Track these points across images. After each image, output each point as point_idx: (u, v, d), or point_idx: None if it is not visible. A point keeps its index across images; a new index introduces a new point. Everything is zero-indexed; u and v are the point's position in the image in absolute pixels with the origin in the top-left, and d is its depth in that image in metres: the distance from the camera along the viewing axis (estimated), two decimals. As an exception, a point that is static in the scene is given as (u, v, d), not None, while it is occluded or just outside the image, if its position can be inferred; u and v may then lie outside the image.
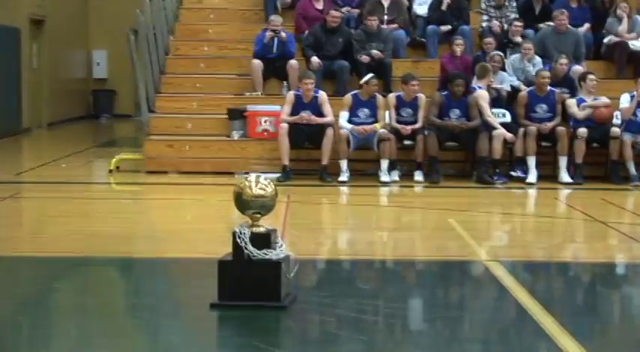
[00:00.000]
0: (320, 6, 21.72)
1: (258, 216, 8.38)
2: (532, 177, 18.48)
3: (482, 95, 18.86)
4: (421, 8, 22.34)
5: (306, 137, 18.80)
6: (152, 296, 10.11)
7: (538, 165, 18.55)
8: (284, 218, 8.56)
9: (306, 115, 18.56)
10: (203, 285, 8.85)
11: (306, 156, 18.78)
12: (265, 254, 8.28)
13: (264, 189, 8.34)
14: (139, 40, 20.77)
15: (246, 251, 8.23)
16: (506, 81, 19.70)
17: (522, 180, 18.55)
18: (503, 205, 16.86)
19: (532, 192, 18.17)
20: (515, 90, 19.48)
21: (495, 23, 21.52)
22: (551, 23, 21.33)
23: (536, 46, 20.50)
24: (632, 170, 18.28)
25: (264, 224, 8.50)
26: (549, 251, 13.02)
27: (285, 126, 18.56)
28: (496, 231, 14.76)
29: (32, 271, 11.14)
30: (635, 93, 18.76)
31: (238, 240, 8.27)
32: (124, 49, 26.36)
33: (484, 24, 22.01)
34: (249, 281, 8.31)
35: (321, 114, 18.68)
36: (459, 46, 20.32)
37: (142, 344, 8.41)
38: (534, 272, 11.09)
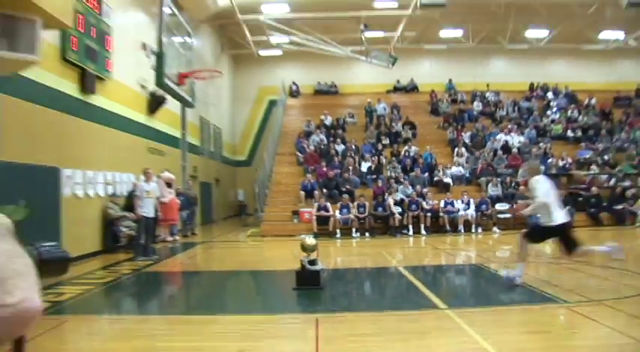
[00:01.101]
0: (325, 169, 21.69)
1: (310, 253, 8.56)
2: (410, 232, 18.38)
3: (390, 203, 18.87)
4: (365, 166, 22.26)
5: (323, 221, 18.79)
6: (267, 284, 10.15)
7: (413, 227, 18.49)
8: (317, 253, 8.62)
9: (323, 212, 18.65)
10: (288, 280, 8.81)
11: (323, 228, 18.62)
12: (314, 267, 8.42)
13: (312, 242, 8.54)
14: (256, 185, 20.92)
15: (306, 267, 8.38)
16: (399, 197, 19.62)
17: (407, 234, 18.39)
18: (400, 244, 16.54)
19: (411, 238, 17.85)
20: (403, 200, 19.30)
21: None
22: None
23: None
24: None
25: (312, 256, 8.66)
26: (422, 260, 12.99)
27: (314, 217, 18.69)
28: (399, 254, 14.52)
29: (217, 277, 11.16)
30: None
31: (303, 263, 8.45)
32: (250, 189, 26.50)
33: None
34: (308, 278, 8.43)
35: (328, 211, 18.74)
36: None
37: (262, 302, 8.49)
38: (417, 269, 10.96)
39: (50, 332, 6.31)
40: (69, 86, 12.87)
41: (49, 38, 11.53)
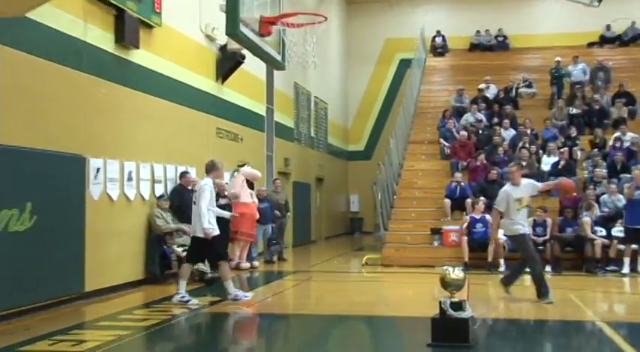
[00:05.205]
0: (482, 167, 21.41)
1: (454, 291, 8.41)
2: (626, 269, 17.13)
3: (587, 221, 18.00)
4: (548, 162, 21.80)
5: (477, 245, 18.40)
6: (388, 337, 10.09)
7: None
8: (467, 293, 8.49)
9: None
10: (419, 332, 8.74)
11: (478, 256, 18.22)
12: (460, 314, 8.24)
13: (459, 276, 8.41)
14: (377, 188, 20.90)
15: (448, 312, 8.23)
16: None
17: (617, 271, 17.18)
18: (604, 286, 15.84)
19: (626, 279, 16.75)
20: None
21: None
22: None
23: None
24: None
25: (458, 296, 8.50)
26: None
27: (465, 238, 18.38)
28: (600, 302, 13.99)
29: (315, 324, 11.24)
30: None
31: (444, 306, 8.35)
32: (368, 194, 26.62)
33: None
34: (450, 330, 8.31)
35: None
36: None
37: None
38: (630, 327, 10.58)
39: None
40: (99, 35, 13.26)
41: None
